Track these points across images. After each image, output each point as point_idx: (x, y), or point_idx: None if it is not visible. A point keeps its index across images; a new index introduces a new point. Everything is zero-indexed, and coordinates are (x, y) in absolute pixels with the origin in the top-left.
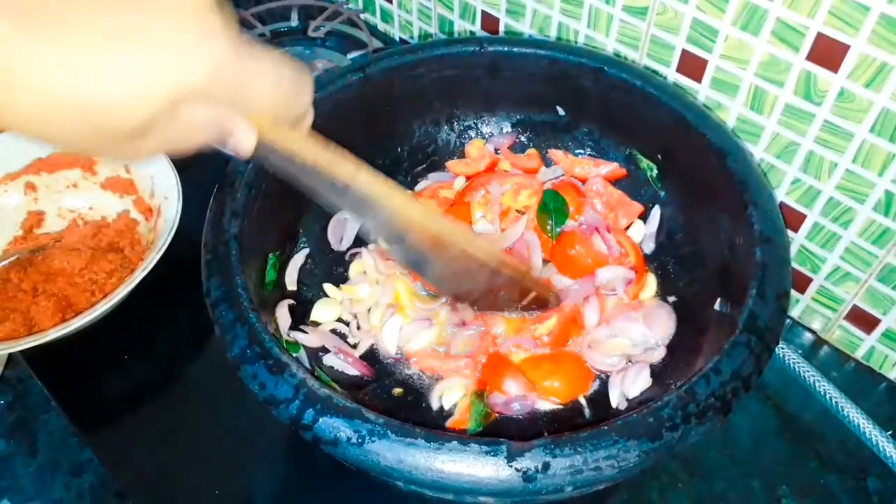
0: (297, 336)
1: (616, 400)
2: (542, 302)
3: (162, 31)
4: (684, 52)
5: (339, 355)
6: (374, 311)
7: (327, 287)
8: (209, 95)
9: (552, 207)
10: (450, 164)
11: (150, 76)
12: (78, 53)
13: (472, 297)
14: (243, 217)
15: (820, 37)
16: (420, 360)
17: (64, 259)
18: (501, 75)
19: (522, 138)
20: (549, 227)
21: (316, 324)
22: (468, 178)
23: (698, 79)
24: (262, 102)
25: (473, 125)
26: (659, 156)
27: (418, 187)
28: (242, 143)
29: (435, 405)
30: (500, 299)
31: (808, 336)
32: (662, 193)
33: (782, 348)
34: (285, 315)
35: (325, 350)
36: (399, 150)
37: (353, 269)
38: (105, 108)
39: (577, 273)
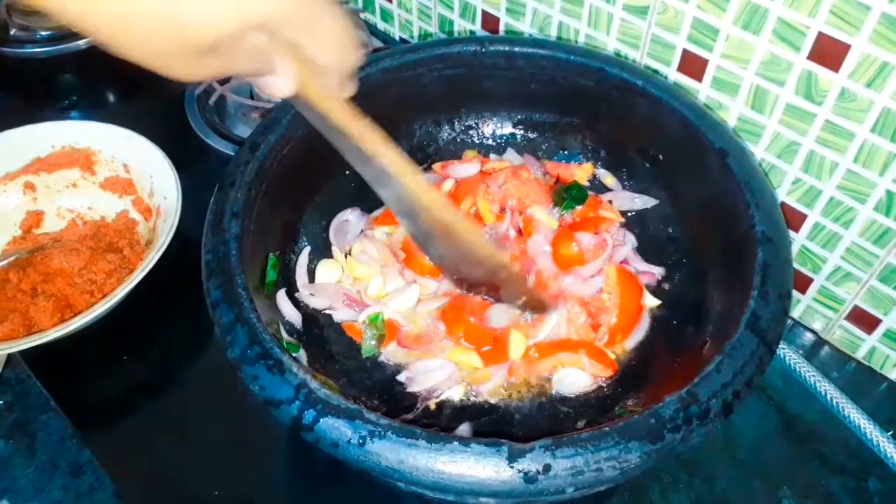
0: (306, 299)
1: None
2: (537, 306)
3: None
4: (685, 51)
5: (352, 307)
6: (373, 283)
7: (335, 250)
8: (278, 27)
9: (572, 193)
10: (436, 165)
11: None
12: None
13: (470, 285)
14: (243, 217)
15: (821, 36)
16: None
17: (63, 259)
18: (502, 75)
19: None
20: (561, 204)
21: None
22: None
23: (699, 78)
24: (318, 48)
25: (474, 125)
26: (660, 156)
27: None
28: (282, 85)
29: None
30: (497, 293)
31: (809, 336)
32: (663, 193)
33: (783, 348)
34: (286, 302)
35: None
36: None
37: (356, 248)
38: (187, 21)
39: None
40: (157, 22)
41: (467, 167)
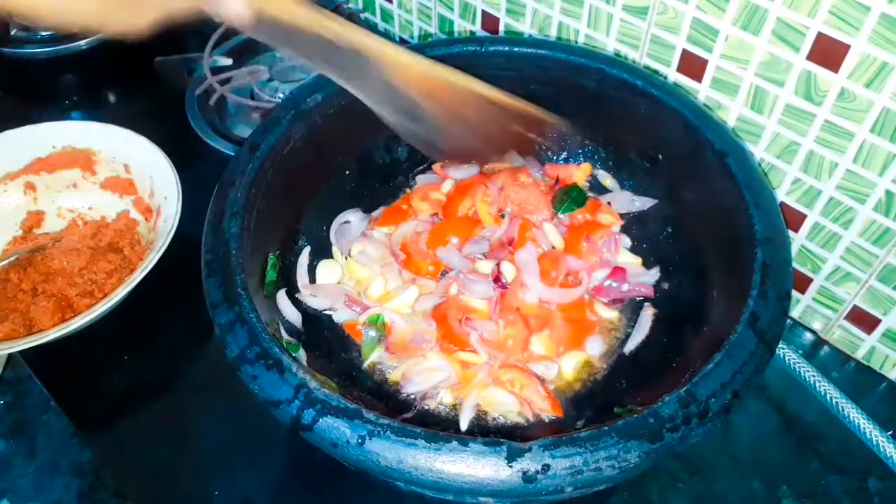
0: (307, 300)
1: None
2: (537, 126)
3: None
4: (685, 51)
5: (352, 307)
6: (374, 285)
7: (335, 251)
8: None
9: (571, 196)
10: (436, 166)
11: None
12: None
13: (470, 150)
14: (243, 217)
15: (820, 36)
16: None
17: (63, 259)
18: (501, 75)
19: None
20: (561, 207)
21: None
22: (457, 181)
23: (699, 79)
24: None
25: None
26: (659, 156)
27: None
28: (233, 6)
29: None
30: (498, 143)
31: (808, 336)
32: (662, 193)
33: (783, 348)
34: (286, 302)
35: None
36: (399, 149)
37: (355, 248)
38: None
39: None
40: None
41: (467, 168)
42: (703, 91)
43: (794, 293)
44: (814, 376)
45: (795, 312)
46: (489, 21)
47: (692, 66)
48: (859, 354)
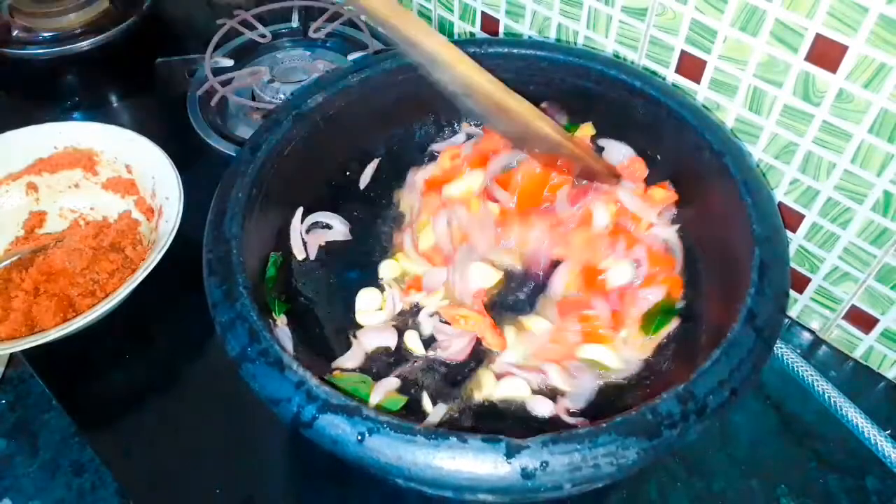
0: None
1: None
2: (595, 173)
3: None
4: (683, 52)
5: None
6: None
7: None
8: None
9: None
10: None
11: None
12: None
13: (543, 161)
14: (244, 217)
15: (818, 37)
16: None
17: (65, 259)
18: (501, 77)
19: None
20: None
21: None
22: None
23: (697, 80)
24: None
25: (474, 125)
26: (658, 156)
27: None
28: None
29: None
30: (570, 169)
31: (806, 336)
32: None
33: (781, 348)
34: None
35: None
36: (399, 150)
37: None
38: None
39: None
40: None
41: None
42: (701, 92)
43: (793, 293)
44: (812, 376)
45: (794, 312)
46: (489, 22)
47: (691, 67)
48: (857, 354)
